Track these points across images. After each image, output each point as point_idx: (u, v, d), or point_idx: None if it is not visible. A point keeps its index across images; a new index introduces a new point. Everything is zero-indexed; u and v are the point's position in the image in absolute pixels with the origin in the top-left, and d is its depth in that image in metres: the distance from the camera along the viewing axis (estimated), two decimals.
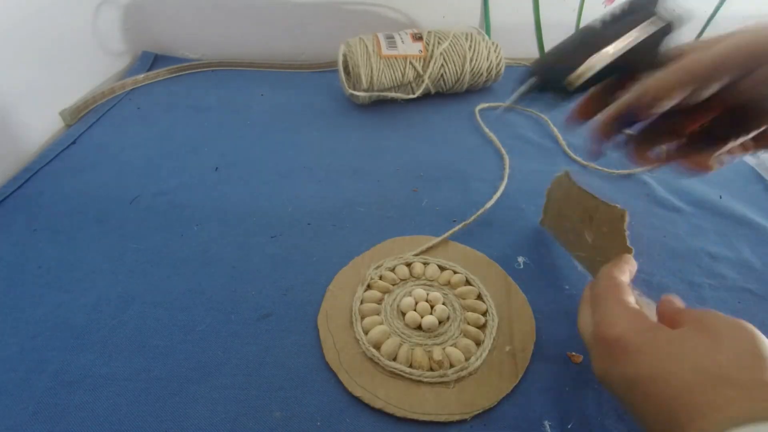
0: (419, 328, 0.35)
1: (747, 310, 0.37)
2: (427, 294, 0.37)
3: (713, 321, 0.23)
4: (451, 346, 0.34)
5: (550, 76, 0.28)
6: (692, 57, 0.24)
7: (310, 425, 0.30)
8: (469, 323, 0.36)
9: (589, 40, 0.28)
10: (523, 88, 0.29)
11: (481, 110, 0.64)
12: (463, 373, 0.32)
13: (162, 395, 0.31)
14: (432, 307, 0.36)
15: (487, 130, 0.60)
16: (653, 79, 0.25)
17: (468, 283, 0.39)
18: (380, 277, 0.39)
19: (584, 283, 0.39)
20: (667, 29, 0.27)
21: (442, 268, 0.40)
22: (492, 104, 0.66)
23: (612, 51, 0.27)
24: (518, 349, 0.34)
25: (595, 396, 0.31)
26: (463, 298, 0.38)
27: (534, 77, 0.29)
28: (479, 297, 0.38)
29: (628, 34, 0.27)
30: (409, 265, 0.40)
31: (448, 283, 0.39)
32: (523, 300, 0.38)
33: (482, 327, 0.35)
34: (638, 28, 0.27)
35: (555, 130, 0.60)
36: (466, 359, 0.33)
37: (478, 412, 0.30)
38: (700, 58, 0.23)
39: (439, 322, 0.35)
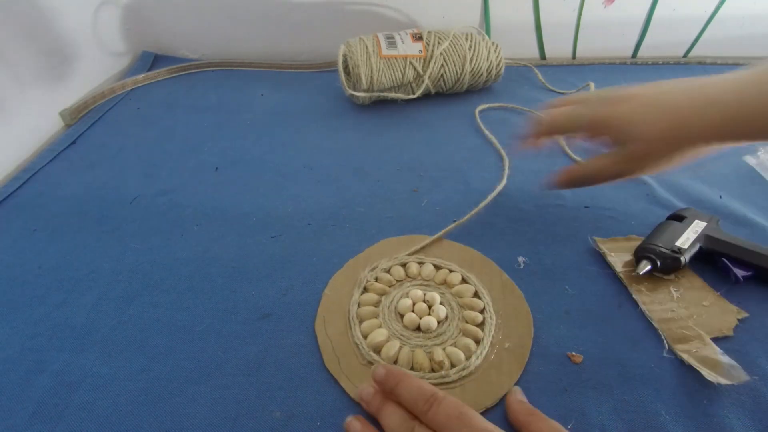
0: (418, 329, 0.35)
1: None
2: (425, 294, 0.37)
3: None
4: (451, 345, 0.34)
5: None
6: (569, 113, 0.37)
7: (310, 425, 0.30)
8: (467, 322, 0.36)
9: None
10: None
11: (481, 111, 0.64)
12: (464, 373, 0.32)
13: (162, 395, 0.31)
14: (430, 307, 0.36)
15: (487, 131, 0.59)
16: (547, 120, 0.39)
17: (464, 281, 0.39)
18: (376, 279, 0.39)
19: (585, 282, 0.39)
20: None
21: (437, 268, 0.40)
22: (492, 105, 0.66)
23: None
24: (517, 345, 0.34)
25: (595, 396, 0.31)
26: (460, 297, 0.38)
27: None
28: (476, 295, 0.38)
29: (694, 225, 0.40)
30: (404, 265, 0.40)
31: (444, 282, 0.39)
32: (519, 296, 0.38)
33: (480, 325, 0.35)
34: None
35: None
36: (467, 358, 0.33)
37: (480, 411, 0.30)
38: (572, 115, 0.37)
39: (438, 322, 0.35)
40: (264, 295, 0.38)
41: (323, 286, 0.39)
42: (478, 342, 0.34)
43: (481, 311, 0.36)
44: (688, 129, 0.31)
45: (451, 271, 0.39)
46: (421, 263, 0.40)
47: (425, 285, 0.39)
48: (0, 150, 0.52)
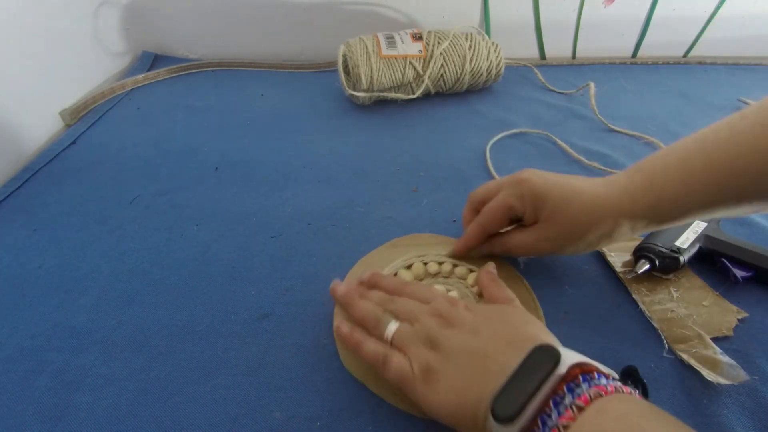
0: None
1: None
2: (447, 291, 0.37)
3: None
4: None
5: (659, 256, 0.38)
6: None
7: (310, 425, 0.30)
8: None
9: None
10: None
11: (480, 110, 0.64)
12: None
13: (162, 395, 0.31)
14: None
15: (491, 167, 0.59)
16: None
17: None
18: (395, 275, 0.39)
19: (585, 282, 0.39)
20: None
21: (455, 265, 0.40)
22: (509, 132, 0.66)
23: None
24: None
25: None
26: (481, 296, 0.38)
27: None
28: None
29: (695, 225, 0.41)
30: (425, 264, 0.40)
31: (464, 279, 0.39)
32: (534, 301, 0.37)
33: None
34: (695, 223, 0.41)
35: (555, 138, 0.60)
36: None
37: None
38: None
39: None
40: (264, 295, 0.38)
41: (323, 286, 0.38)
42: None
43: None
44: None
45: (471, 270, 0.39)
46: (440, 263, 0.40)
47: (447, 282, 0.39)
48: (0, 150, 0.52)
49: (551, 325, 0.36)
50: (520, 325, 0.29)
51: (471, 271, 0.39)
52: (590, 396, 0.21)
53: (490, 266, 0.36)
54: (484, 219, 0.38)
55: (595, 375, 0.23)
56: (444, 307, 0.30)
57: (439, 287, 0.37)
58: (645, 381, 0.23)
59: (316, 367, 0.33)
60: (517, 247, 0.37)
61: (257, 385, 0.32)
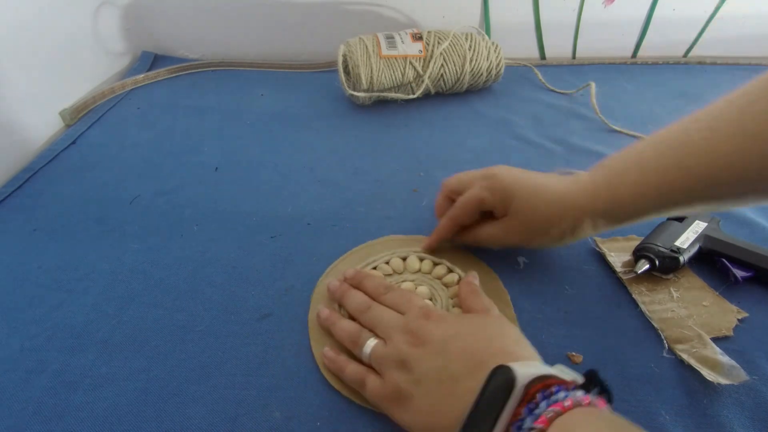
0: None
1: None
2: (416, 287, 0.37)
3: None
4: None
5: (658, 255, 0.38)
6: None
7: (310, 425, 0.30)
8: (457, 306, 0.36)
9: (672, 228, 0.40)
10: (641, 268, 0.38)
11: (480, 110, 0.64)
12: None
13: (162, 395, 0.31)
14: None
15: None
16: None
17: (449, 270, 0.40)
18: (374, 268, 0.39)
19: (585, 282, 0.39)
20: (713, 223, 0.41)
21: (435, 264, 0.40)
22: None
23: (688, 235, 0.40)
24: None
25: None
26: (444, 283, 0.39)
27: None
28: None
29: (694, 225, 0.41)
30: (404, 259, 0.40)
31: (439, 279, 0.39)
32: (507, 301, 0.37)
33: None
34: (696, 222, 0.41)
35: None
36: None
37: None
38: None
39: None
40: (264, 295, 0.38)
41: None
42: None
43: None
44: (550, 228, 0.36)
45: (450, 271, 0.39)
46: (421, 259, 0.40)
47: (421, 279, 0.39)
48: (0, 150, 0.52)
49: (551, 325, 0.36)
50: (489, 339, 0.28)
51: (450, 271, 0.39)
52: (548, 417, 0.21)
53: (472, 275, 0.37)
54: (457, 212, 0.39)
55: (554, 389, 0.22)
56: (416, 322, 0.30)
57: (408, 285, 0.38)
58: (607, 385, 0.23)
59: (316, 367, 0.33)
60: (486, 238, 0.39)
61: (257, 385, 0.32)
